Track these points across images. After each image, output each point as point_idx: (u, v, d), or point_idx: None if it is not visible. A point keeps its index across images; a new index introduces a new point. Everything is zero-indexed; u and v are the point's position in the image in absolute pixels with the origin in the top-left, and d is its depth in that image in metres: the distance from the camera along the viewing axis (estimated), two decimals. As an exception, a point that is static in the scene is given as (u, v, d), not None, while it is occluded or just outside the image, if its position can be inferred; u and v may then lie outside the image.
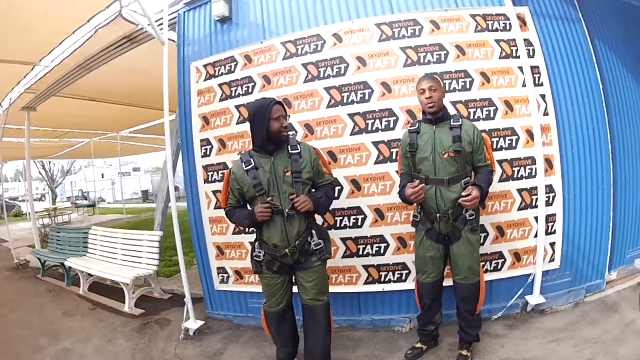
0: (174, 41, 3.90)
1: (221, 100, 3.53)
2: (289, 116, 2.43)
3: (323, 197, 2.45)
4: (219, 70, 3.56)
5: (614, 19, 3.64)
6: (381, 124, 3.23)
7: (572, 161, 3.22)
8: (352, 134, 3.24)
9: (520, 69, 3.18)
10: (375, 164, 3.22)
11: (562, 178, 3.19)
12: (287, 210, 2.31)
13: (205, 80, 3.60)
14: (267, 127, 2.31)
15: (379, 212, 3.23)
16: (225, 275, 3.62)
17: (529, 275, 3.15)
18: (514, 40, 3.20)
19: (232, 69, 3.51)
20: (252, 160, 2.36)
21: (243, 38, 3.57)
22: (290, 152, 2.38)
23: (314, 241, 2.41)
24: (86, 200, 21.02)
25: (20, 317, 4.19)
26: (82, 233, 5.05)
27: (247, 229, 3.29)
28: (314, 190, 2.51)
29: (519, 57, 3.19)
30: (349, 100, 3.26)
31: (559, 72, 3.28)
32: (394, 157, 3.15)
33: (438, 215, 2.50)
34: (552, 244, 3.19)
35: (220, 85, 3.54)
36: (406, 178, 2.65)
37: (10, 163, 16.86)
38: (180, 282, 3.62)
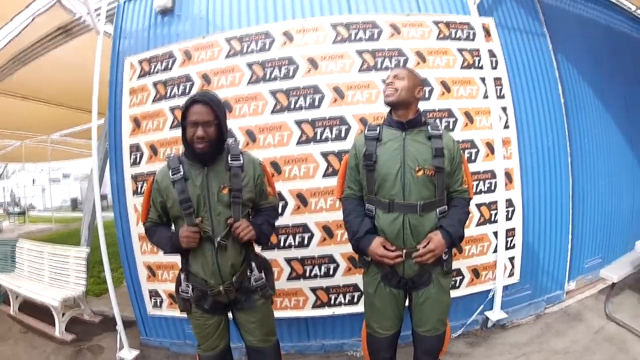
0: (109, 34, 3.31)
1: (154, 100, 2.95)
2: (217, 122, 1.70)
3: (264, 223, 1.85)
4: (155, 66, 2.98)
5: (577, 34, 3.57)
6: (331, 132, 2.76)
7: (531, 174, 3.06)
8: (299, 142, 2.75)
9: (482, 79, 2.93)
10: (323, 177, 2.75)
11: (521, 192, 3.00)
12: (219, 238, 1.72)
13: (139, 77, 3.01)
14: (183, 132, 1.74)
15: (328, 230, 2.76)
16: (158, 299, 3.03)
17: (489, 291, 2.92)
18: (477, 50, 2.95)
19: (169, 66, 2.94)
20: (181, 168, 1.75)
21: (184, 32, 3.02)
22: (230, 163, 1.77)
23: (253, 276, 1.82)
24: (17, 206, 19.46)
25: None
26: (10, 246, 4.35)
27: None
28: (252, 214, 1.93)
29: (481, 68, 2.94)
30: (297, 106, 2.77)
31: (521, 84, 3.10)
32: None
33: (404, 251, 1.76)
34: (511, 259, 2.99)
35: (155, 84, 2.96)
36: (357, 207, 1.88)
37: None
38: (110, 303, 3.01)
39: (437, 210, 1.79)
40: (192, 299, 1.81)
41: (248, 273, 1.82)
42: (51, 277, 3.75)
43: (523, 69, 3.12)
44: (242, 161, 1.80)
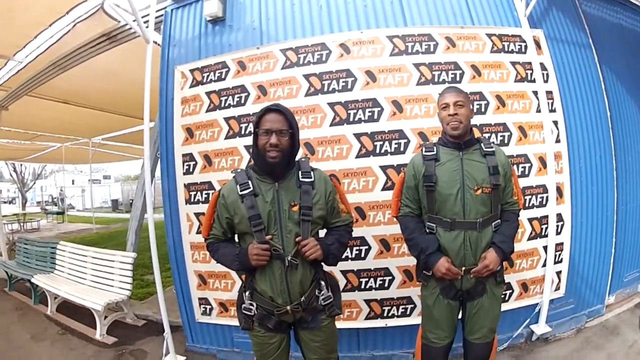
0: (157, 43, 3.22)
1: (208, 110, 2.87)
2: (292, 131, 1.64)
3: (335, 243, 1.74)
4: (208, 76, 2.90)
5: (620, 46, 3.48)
6: (390, 146, 2.69)
7: (580, 189, 3.00)
8: (358, 156, 2.68)
9: (535, 93, 2.87)
10: (382, 190, 2.68)
11: (572, 206, 2.93)
12: (289, 257, 1.63)
13: (191, 86, 2.94)
14: (255, 142, 1.66)
15: (385, 243, 2.69)
16: (208, 307, 2.95)
17: (535, 304, 2.87)
18: (530, 63, 2.89)
19: (223, 76, 2.87)
20: (250, 182, 1.66)
21: (237, 42, 2.94)
22: (301, 179, 1.69)
23: (322, 295, 1.73)
24: (56, 206, 19.25)
25: None
26: (50, 247, 4.26)
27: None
28: (323, 232, 1.83)
29: (533, 81, 2.87)
30: (356, 119, 2.70)
31: (571, 98, 3.03)
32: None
33: (463, 269, 1.83)
34: (558, 273, 2.92)
35: (208, 94, 2.88)
36: (418, 225, 1.93)
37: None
38: (155, 307, 2.98)
39: (493, 224, 1.86)
40: (256, 317, 1.71)
41: (317, 292, 1.72)
42: (94, 281, 3.66)
43: (572, 82, 3.06)
44: (313, 178, 1.71)
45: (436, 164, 1.87)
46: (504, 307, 2.65)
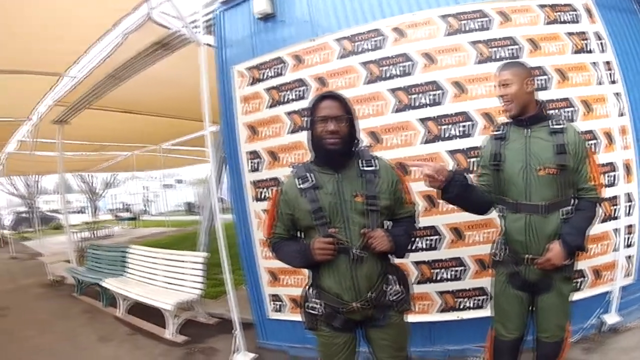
0: (210, 45, 3.26)
1: (270, 106, 2.89)
2: (349, 117, 1.58)
3: (403, 234, 1.65)
4: (265, 73, 2.92)
5: None
6: (456, 129, 2.60)
7: None
8: (425, 142, 2.61)
9: (594, 64, 2.68)
10: (452, 176, 2.57)
11: (639, 184, 2.71)
12: (356, 250, 1.54)
13: (249, 84, 2.97)
14: (312, 132, 1.61)
15: (457, 232, 2.61)
16: (280, 304, 3.00)
17: (607, 292, 2.68)
18: (585, 32, 2.71)
19: (280, 71, 2.87)
20: (309, 176, 1.59)
21: (290, 36, 2.93)
22: (363, 168, 1.60)
23: (390, 290, 1.62)
24: (128, 212, 20.09)
25: (48, 342, 3.62)
26: (120, 251, 4.45)
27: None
28: (388, 224, 1.73)
29: (590, 52, 2.69)
30: (419, 103, 2.62)
31: (629, 67, 2.80)
32: (472, 168, 2.50)
33: (527, 256, 1.73)
34: (629, 257, 2.71)
35: (268, 90, 2.90)
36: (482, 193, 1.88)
37: (50, 175, 16.35)
38: (227, 305, 3.04)
39: (562, 211, 1.70)
40: (321, 316, 1.62)
41: (385, 287, 1.62)
42: (165, 282, 3.79)
43: (629, 51, 2.84)
44: (375, 167, 1.62)
45: (502, 142, 1.78)
46: (577, 296, 2.50)
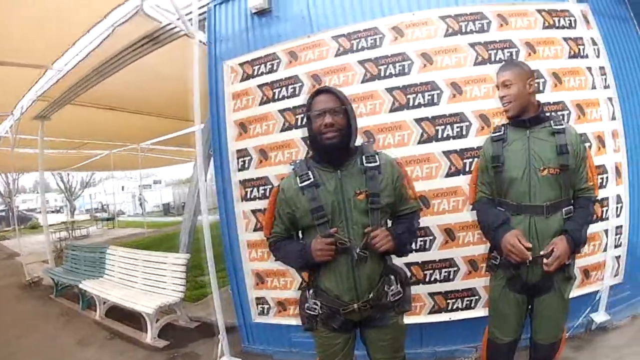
0: (202, 42, 3.14)
1: (262, 103, 2.79)
2: (345, 108, 1.51)
3: (405, 232, 1.59)
4: (258, 69, 2.82)
5: None
6: (452, 130, 2.55)
7: (636, 167, 2.82)
8: (420, 142, 2.55)
9: (588, 69, 2.73)
10: (446, 176, 2.55)
11: (628, 186, 2.77)
12: (358, 250, 1.47)
13: (241, 80, 2.85)
14: (310, 129, 1.54)
15: (450, 232, 2.56)
16: (266, 306, 2.86)
17: (596, 292, 2.73)
18: (581, 38, 2.75)
19: (275, 67, 2.78)
20: (310, 173, 1.52)
21: (286, 32, 2.84)
22: (365, 164, 1.52)
23: (391, 290, 1.56)
24: (105, 212, 19.58)
25: (29, 344, 3.48)
26: (99, 252, 4.24)
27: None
28: (389, 222, 1.68)
29: (586, 57, 2.74)
30: (415, 103, 2.56)
31: (623, 73, 2.87)
32: (467, 169, 2.48)
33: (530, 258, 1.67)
34: (617, 257, 2.76)
35: (260, 87, 2.79)
36: (490, 207, 1.79)
37: (27, 174, 15.91)
38: (208, 308, 2.91)
39: (563, 210, 1.68)
40: (320, 317, 1.57)
41: (386, 288, 1.56)
42: (145, 284, 3.62)
43: (622, 57, 2.89)
44: (378, 162, 1.54)
45: (503, 144, 1.75)
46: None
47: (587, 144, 2.56)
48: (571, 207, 1.69)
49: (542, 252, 1.62)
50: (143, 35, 3.52)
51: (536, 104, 1.74)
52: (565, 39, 2.72)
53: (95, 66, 3.90)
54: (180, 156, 11.61)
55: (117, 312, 3.98)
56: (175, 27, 3.29)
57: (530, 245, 1.62)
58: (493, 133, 1.82)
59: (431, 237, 2.56)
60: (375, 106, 2.57)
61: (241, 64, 2.87)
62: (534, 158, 1.67)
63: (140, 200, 20.65)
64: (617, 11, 2.98)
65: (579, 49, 2.71)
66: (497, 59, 2.61)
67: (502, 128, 1.80)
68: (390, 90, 2.57)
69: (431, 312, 2.61)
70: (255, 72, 2.81)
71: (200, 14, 3.12)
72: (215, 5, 3.12)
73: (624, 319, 2.80)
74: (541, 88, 2.61)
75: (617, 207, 2.70)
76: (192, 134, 2.88)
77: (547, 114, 1.80)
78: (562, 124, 1.71)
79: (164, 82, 3.98)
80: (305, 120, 1.56)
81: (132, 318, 3.72)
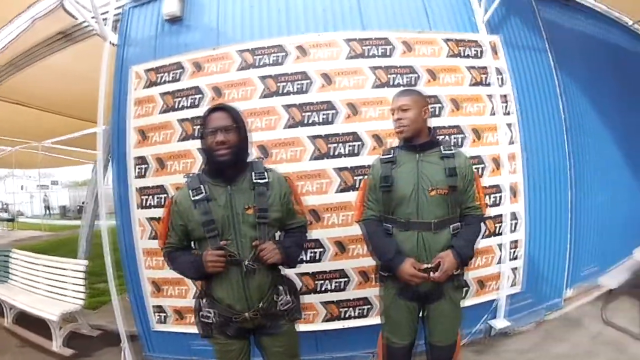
0: (113, 44, 3.07)
1: (162, 112, 2.77)
2: (238, 126, 1.56)
3: (292, 246, 1.68)
4: (162, 77, 2.79)
5: (577, 50, 3.58)
6: (345, 148, 2.66)
7: (534, 187, 3.04)
8: (313, 158, 2.63)
9: (489, 97, 2.91)
10: (337, 192, 2.65)
11: (526, 204, 2.98)
12: (247, 262, 1.54)
13: (145, 87, 2.82)
14: (204, 145, 1.59)
15: (340, 245, 2.66)
16: (163, 315, 2.83)
17: (493, 300, 2.91)
18: (485, 67, 2.93)
19: (178, 77, 2.77)
20: (202, 187, 1.58)
21: (194, 42, 2.85)
22: (254, 181, 1.60)
23: (281, 300, 1.65)
24: (6, 212, 18.24)
25: None
26: (3, 255, 3.99)
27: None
28: (278, 234, 1.74)
29: (489, 85, 2.91)
30: (311, 121, 2.64)
31: (526, 101, 3.08)
32: (358, 185, 2.54)
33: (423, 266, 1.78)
34: (514, 269, 2.95)
35: (162, 95, 2.78)
36: (378, 228, 1.86)
37: None
38: (108, 316, 2.87)
39: (451, 227, 1.79)
40: (215, 324, 1.63)
41: (275, 297, 1.64)
42: (47, 290, 3.45)
43: (528, 86, 3.10)
44: (267, 179, 1.62)
45: (393, 166, 1.83)
46: (462, 304, 2.69)
47: (478, 166, 2.79)
48: (459, 224, 1.80)
49: (429, 266, 1.72)
50: (58, 30, 3.40)
51: (427, 131, 1.84)
52: (468, 68, 2.89)
53: (9, 59, 3.71)
54: (79, 157, 10.88)
55: (26, 319, 3.71)
56: (89, 26, 3.21)
57: (424, 267, 1.72)
58: (383, 155, 1.90)
59: (322, 249, 2.63)
60: (271, 122, 2.63)
61: (147, 70, 2.84)
62: (422, 179, 1.76)
63: (45, 202, 19.51)
64: (531, 42, 3.19)
65: (482, 78, 2.91)
66: (396, 83, 2.74)
67: (392, 151, 1.88)
68: (287, 107, 2.63)
69: (325, 320, 2.68)
70: (159, 80, 2.79)
71: (115, 15, 3.06)
72: (130, 8, 3.07)
73: (528, 324, 3.01)
74: (437, 113, 2.75)
75: (513, 224, 2.90)
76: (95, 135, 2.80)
77: (439, 139, 1.90)
78: (451, 150, 1.82)
79: (74, 81, 3.84)
80: (200, 135, 1.60)
81: (40, 325, 3.49)
